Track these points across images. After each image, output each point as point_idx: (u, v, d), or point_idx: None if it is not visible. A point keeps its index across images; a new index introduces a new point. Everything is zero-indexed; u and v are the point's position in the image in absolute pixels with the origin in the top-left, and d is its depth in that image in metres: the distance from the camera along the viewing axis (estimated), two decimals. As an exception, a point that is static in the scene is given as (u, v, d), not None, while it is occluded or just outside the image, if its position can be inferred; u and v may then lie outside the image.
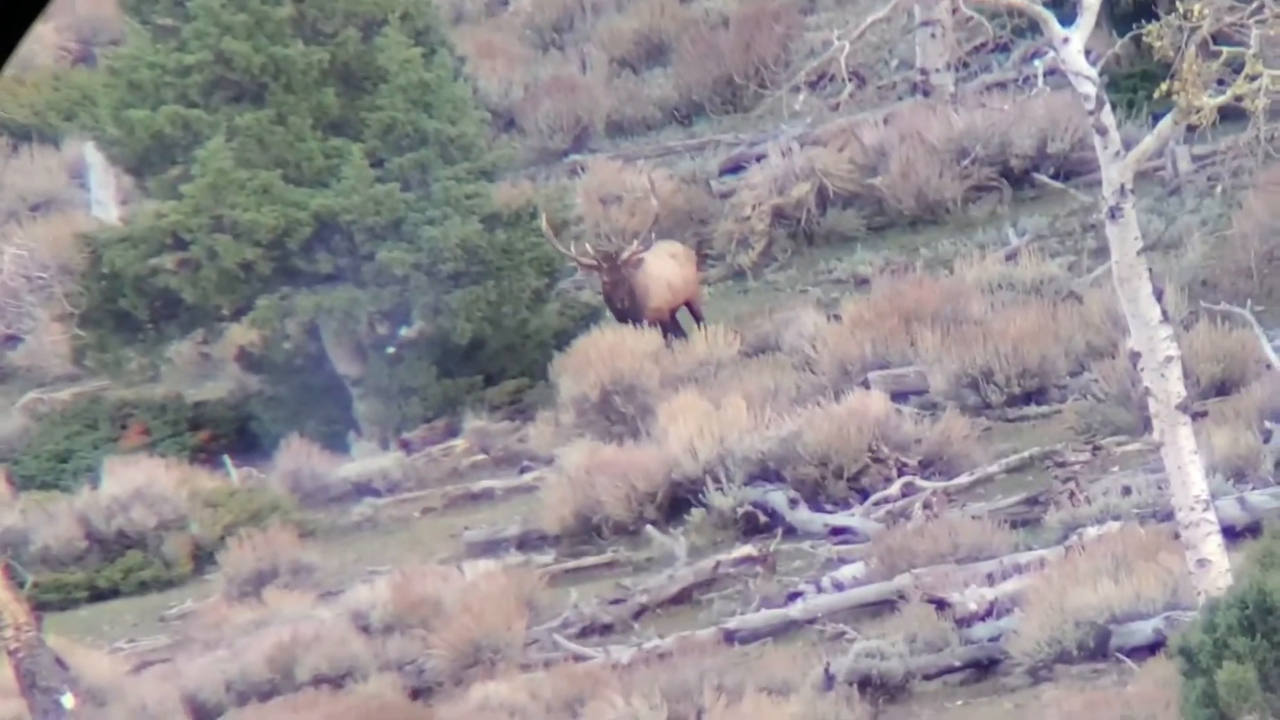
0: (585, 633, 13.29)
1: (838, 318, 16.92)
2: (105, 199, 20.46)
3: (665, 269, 17.13)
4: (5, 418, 17.80)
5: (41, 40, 23.53)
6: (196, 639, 13.58)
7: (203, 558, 15.27)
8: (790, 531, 14.27)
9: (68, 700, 12.19)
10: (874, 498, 14.50)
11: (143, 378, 17.59)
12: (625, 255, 16.79)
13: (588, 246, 17.02)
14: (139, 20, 17.29)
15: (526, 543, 14.71)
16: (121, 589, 15.19)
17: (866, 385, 15.68)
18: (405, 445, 16.67)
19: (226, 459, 16.65)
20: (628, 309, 16.96)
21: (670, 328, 17.10)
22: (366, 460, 16.40)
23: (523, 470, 16.12)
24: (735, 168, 20.22)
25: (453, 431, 16.78)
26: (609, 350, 16.24)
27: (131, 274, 16.87)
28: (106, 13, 20.89)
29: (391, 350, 17.07)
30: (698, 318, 17.34)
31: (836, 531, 14.23)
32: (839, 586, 13.32)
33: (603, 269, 16.84)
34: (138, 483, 15.45)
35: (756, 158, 20.07)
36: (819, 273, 18.98)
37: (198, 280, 16.74)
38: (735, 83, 21.61)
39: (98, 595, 15.16)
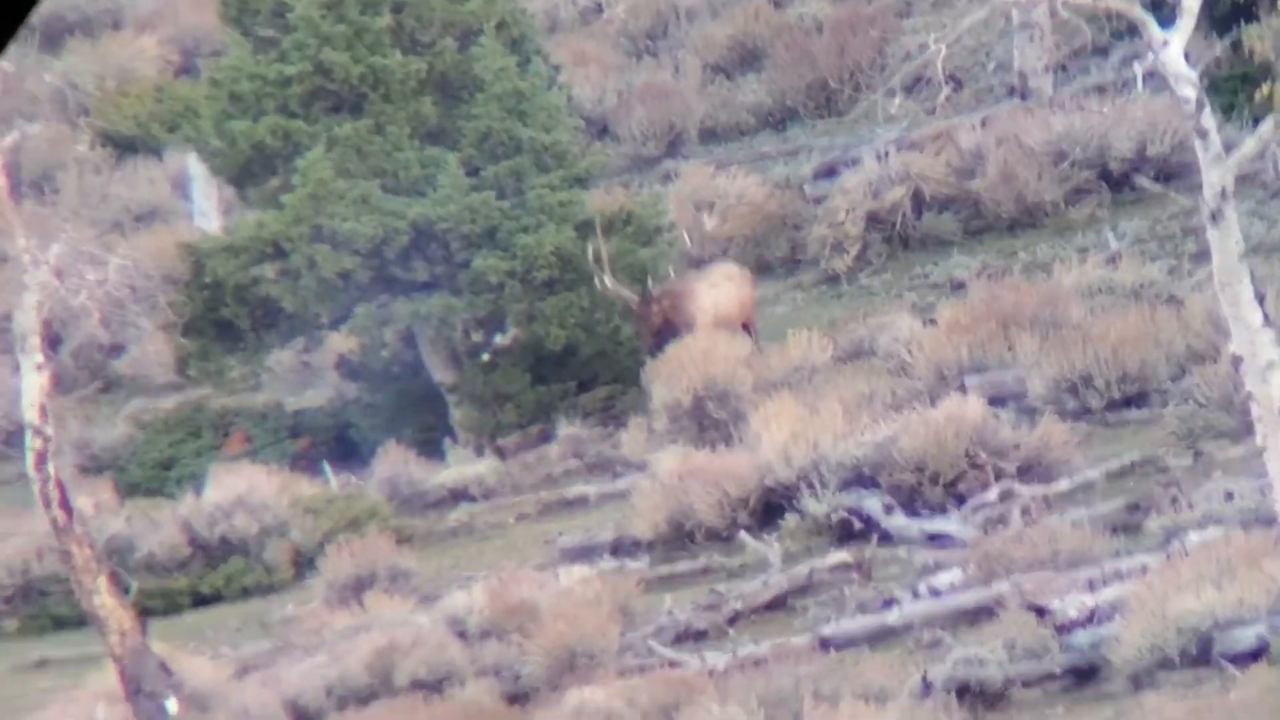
0: (679, 639, 13.24)
1: (934, 322, 16.77)
2: (208, 209, 20.68)
3: (718, 295, 16.59)
4: (111, 426, 18.02)
5: (145, 52, 23.87)
6: (297, 644, 13.67)
7: (303, 564, 15.38)
8: (886, 538, 14.14)
9: (172, 705, 12.31)
10: (971, 503, 14.34)
11: (244, 386, 17.77)
12: (658, 292, 16.18)
13: (611, 283, 16.16)
14: (240, 32, 17.47)
15: (620, 549, 14.69)
16: (224, 595, 15.32)
17: (963, 390, 15.52)
18: (500, 451, 16.71)
19: (326, 466, 16.76)
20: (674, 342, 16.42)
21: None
22: (462, 466, 16.46)
23: (616, 476, 16.10)
24: (829, 172, 20.11)
25: (546, 438, 16.80)
26: (701, 356, 16.18)
27: (233, 283, 17.03)
28: (209, 24, 21.14)
29: (486, 357, 17.12)
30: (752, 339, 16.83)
31: (933, 538, 14.09)
32: (936, 593, 13.19)
33: (638, 309, 16.31)
34: (240, 490, 15.60)
35: (851, 162, 19.96)
36: (914, 277, 18.84)
37: (297, 289, 16.88)
38: (829, 87, 21.52)
39: (201, 601, 15.30)
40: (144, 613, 13.57)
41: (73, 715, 12.60)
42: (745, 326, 16.89)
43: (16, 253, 12.75)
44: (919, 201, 19.24)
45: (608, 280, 16.16)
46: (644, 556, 14.53)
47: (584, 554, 14.61)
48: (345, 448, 17.15)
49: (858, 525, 14.25)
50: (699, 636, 13.29)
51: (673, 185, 20.18)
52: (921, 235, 19.21)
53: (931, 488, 14.45)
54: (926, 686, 11.97)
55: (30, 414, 12.63)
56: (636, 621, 13.30)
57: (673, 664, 12.77)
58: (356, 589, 14.21)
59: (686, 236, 19.24)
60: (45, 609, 15.32)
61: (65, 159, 22.53)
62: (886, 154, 19.57)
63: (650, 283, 16.36)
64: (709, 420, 15.97)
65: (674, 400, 16.03)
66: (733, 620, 13.41)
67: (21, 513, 15.31)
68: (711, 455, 15.01)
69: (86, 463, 17.18)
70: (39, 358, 12.68)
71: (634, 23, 23.57)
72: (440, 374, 17.17)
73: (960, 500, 14.41)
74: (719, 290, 16.65)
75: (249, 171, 17.41)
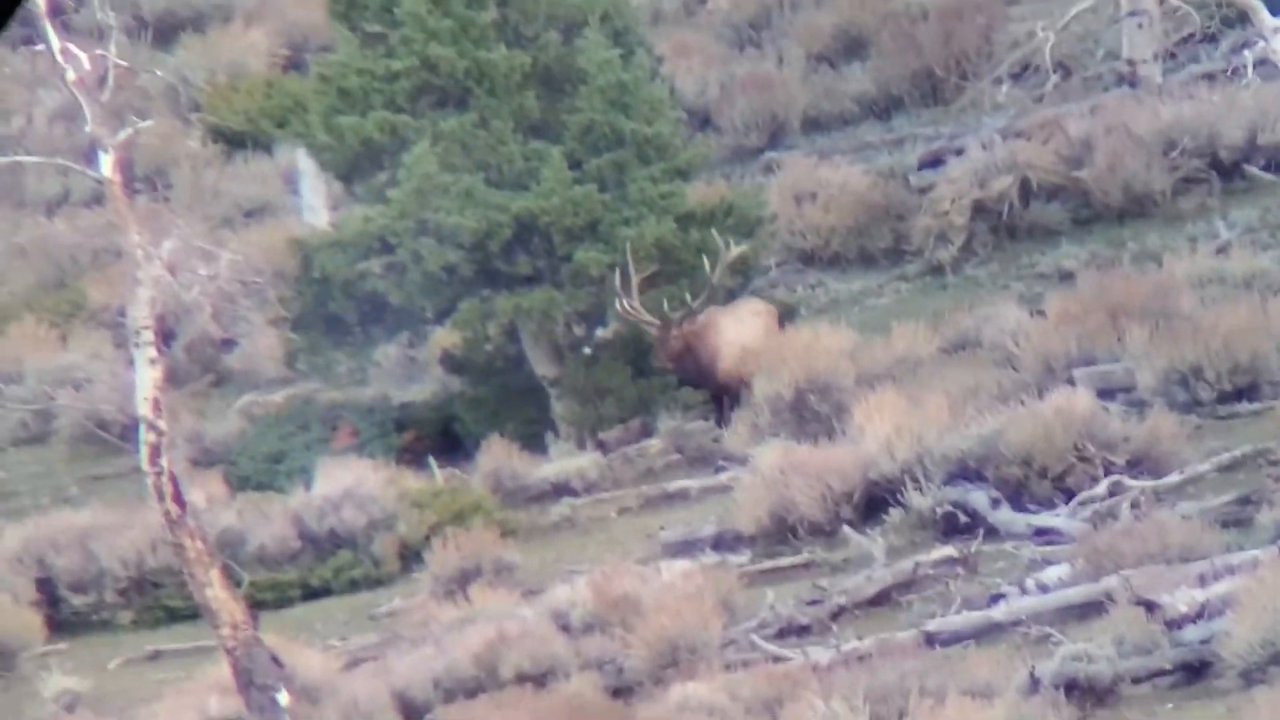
0: (782, 634, 13.21)
1: (1041, 313, 16.58)
2: (316, 205, 20.85)
3: (742, 328, 16.18)
4: (223, 420, 18.23)
5: (254, 47, 24.11)
6: (404, 636, 13.78)
7: (409, 557, 15.49)
8: (992, 532, 14.02)
9: (283, 697, 12.45)
10: (1080, 497, 14.18)
11: (351, 380, 17.91)
12: (680, 317, 15.74)
13: (634, 307, 15.77)
14: (348, 27, 17.59)
15: (722, 543, 14.66)
16: (333, 588, 15.45)
17: (1071, 382, 15.35)
18: (601, 445, 16.74)
19: (431, 459, 16.87)
20: (694, 375, 16.10)
21: (735, 401, 15.93)
22: (564, 460, 16.50)
23: (717, 470, 16.06)
24: (934, 162, 19.94)
25: (648, 432, 16.80)
26: (803, 348, 16.10)
27: (341, 278, 17.17)
28: (317, 20, 21.32)
29: (588, 351, 17.14)
30: None
31: (1040, 532, 13.95)
32: (1044, 588, 13.06)
33: (657, 332, 15.92)
34: (347, 483, 15.73)
35: (956, 151, 19.77)
36: (1021, 267, 18.64)
37: (403, 283, 16.99)
38: (935, 76, 21.33)
39: (310, 594, 15.42)
40: (255, 605, 13.73)
41: (187, 707, 12.77)
42: None
43: (130, 248, 12.92)
44: (1026, 191, 19.02)
45: (630, 304, 15.80)
46: (746, 551, 14.49)
47: (686, 548, 14.61)
48: (449, 441, 17.25)
49: (963, 519, 14.14)
50: (802, 631, 13.25)
51: (775, 176, 20.08)
52: (1029, 225, 19.00)
53: (1039, 481, 14.31)
54: (1034, 683, 11.87)
55: (144, 408, 12.80)
56: (739, 616, 13.28)
57: (776, 659, 12.74)
58: (462, 582, 14.30)
59: (788, 227, 19.16)
60: (159, 601, 15.53)
61: (177, 154, 22.80)
62: (993, 143, 19.36)
63: (669, 309, 15.91)
64: (811, 413, 15.89)
65: (775, 393, 15.96)
66: (836, 615, 13.36)
67: (136, 506, 15.53)
68: (814, 449, 14.94)
69: (199, 456, 17.38)
70: (153, 352, 12.85)
71: (737, 13, 23.48)
72: (542, 368, 17.22)
73: (1068, 494, 14.26)
74: (744, 325, 16.17)
75: (357, 166, 17.54)
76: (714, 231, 16.86)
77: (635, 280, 15.91)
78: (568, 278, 16.89)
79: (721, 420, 15.98)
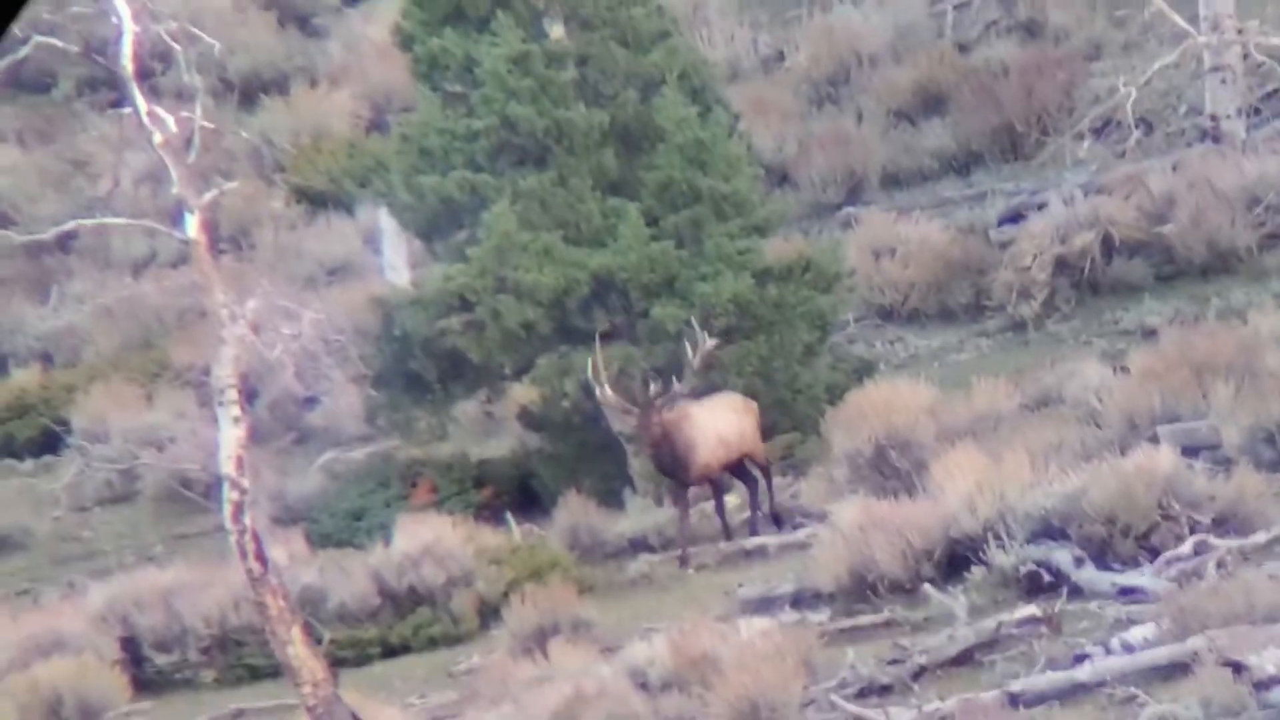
0: (863, 693, 13.07)
1: (1125, 369, 16.43)
2: (397, 263, 21.01)
3: (717, 422, 15.83)
4: (304, 477, 18.33)
5: (337, 108, 24.39)
6: (483, 694, 13.75)
7: (487, 613, 15.47)
8: (1076, 591, 13.85)
9: (364, 754, 12.43)
10: (1165, 556, 13.99)
11: (431, 437, 17.96)
12: (661, 404, 15.47)
13: (610, 393, 15.51)
14: (429, 87, 17.77)
15: (801, 600, 14.55)
16: (412, 645, 15.43)
17: (1155, 440, 15.16)
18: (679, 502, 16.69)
19: (509, 516, 16.88)
20: (669, 464, 15.62)
21: (719, 490, 15.80)
22: (641, 516, 16.46)
23: (795, 527, 15.99)
24: (1015, 217, 19.86)
25: (725, 488, 16.76)
26: (883, 404, 16.01)
27: (421, 336, 17.27)
28: (400, 80, 21.56)
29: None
30: (765, 474, 15.84)
31: (1125, 591, 13.77)
32: (1129, 648, 12.88)
33: (637, 416, 15.57)
34: (427, 540, 15.75)
35: (1038, 206, 19.69)
36: (1104, 324, 18.50)
37: (482, 340, 17.05)
38: (1016, 131, 21.27)
39: (390, 651, 15.41)
40: (335, 663, 13.73)
41: (267, 764, 12.78)
42: (751, 459, 15.95)
43: (215, 308, 13.03)
44: (1108, 246, 18.91)
45: (604, 392, 15.59)
46: (825, 609, 14.37)
47: (764, 606, 14.51)
48: (527, 498, 17.26)
49: (1047, 578, 13.97)
50: (883, 691, 13.11)
51: (853, 232, 20.05)
52: (1111, 281, 18.87)
53: (1123, 540, 14.13)
54: (1120, 744, 11.69)
55: (227, 466, 12.87)
56: (819, 675, 13.16)
57: (857, 718, 12.62)
58: (540, 639, 14.26)
59: (866, 283, 19.09)
60: (242, 660, 15.57)
61: (261, 215, 23.06)
62: (1074, 198, 19.26)
63: (651, 390, 15.66)
64: (890, 470, 15.79)
65: (855, 449, 15.88)
66: (918, 675, 13.21)
67: (219, 564, 15.61)
68: (894, 505, 14.82)
69: (280, 514, 17.48)
70: (236, 411, 12.93)
71: (815, 70, 23.53)
72: (619, 423, 17.24)
73: (1153, 553, 14.07)
74: (718, 419, 15.85)
75: (437, 225, 17.67)
76: (791, 287, 16.82)
77: (605, 370, 15.77)
78: (644, 334, 16.91)
79: (684, 516, 15.76)
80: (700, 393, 16.12)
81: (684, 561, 15.73)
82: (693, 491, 16.62)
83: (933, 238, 19.46)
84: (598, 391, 15.68)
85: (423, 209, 17.51)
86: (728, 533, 15.99)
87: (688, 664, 13.13)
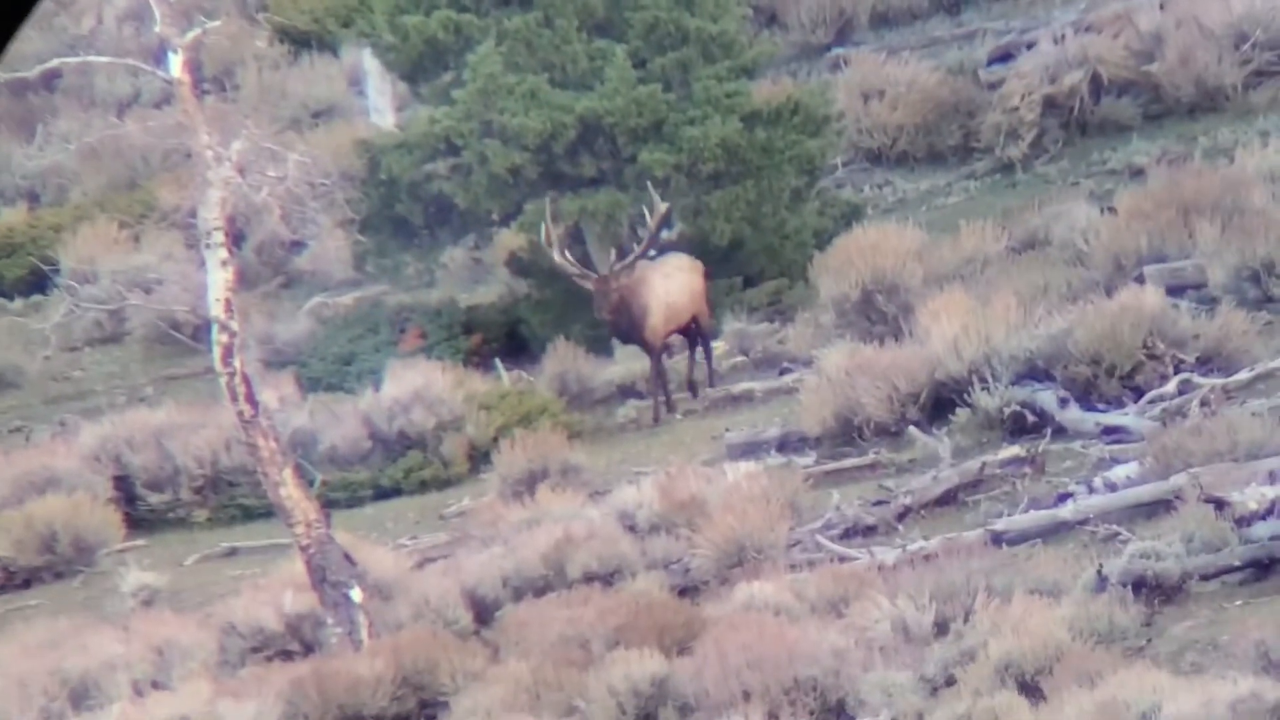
0: (848, 534, 13.26)
1: (1112, 210, 16.43)
2: (382, 106, 20.83)
3: (670, 284, 15.64)
4: (293, 322, 18.34)
5: (319, -54, 23.99)
6: (474, 536, 13.94)
7: (477, 458, 15.62)
8: (1060, 431, 13.99)
9: (355, 594, 12.62)
10: (1149, 396, 14.12)
11: (419, 283, 17.96)
12: (619, 270, 15.39)
13: (564, 259, 15.45)
14: (412, -75, 17.53)
15: (787, 444, 14.70)
16: (403, 488, 15.59)
17: (1141, 280, 15.22)
18: (666, 348, 16.72)
19: (498, 362, 16.94)
20: (625, 329, 15.57)
21: (662, 350, 15.57)
22: (629, 363, 16.53)
23: (782, 372, 16.05)
24: (1004, 57, 19.70)
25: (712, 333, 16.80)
26: (870, 248, 16.02)
27: (407, 180, 17.18)
28: (381, -82, 21.16)
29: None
30: (705, 339, 15.76)
31: (1109, 431, 13.91)
32: (1112, 487, 13.04)
33: (595, 285, 15.39)
34: (416, 385, 15.84)
35: (1027, 46, 19.52)
36: (1092, 164, 18.46)
37: (469, 185, 16.98)
38: (1005, -32, 21.03)
39: (381, 494, 15.56)
40: (327, 504, 13.90)
41: (263, 602, 12.99)
42: (696, 319, 15.89)
43: (200, 149, 12.95)
44: (1097, 86, 18.79)
45: (558, 257, 15.56)
46: (811, 452, 14.52)
47: (751, 450, 14.65)
48: (516, 344, 17.29)
49: (1031, 419, 14.11)
50: (868, 532, 13.29)
51: (842, 73, 19.90)
52: (1099, 121, 18.78)
53: (1108, 380, 14.25)
54: (1102, 581, 11.88)
55: (216, 309, 12.89)
56: (805, 517, 13.34)
57: (842, 559, 12.82)
58: (529, 483, 14.42)
59: (855, 126, 18.98)
60: (234, 500, 15.73)
61: (244, 55, 22.80)
62: (1064, 37, 19.11)
63: (605, 259, 15.61)
64: (877, 314, 15.84)
65: (842, 294, 15.91)
66: (902, 516, 13.39)
67: (209, 405, 15.72)
68: (880, 350, 14.91)
69: (270, 357, 17.53)
70: (224, 254, 12.90)
71: (804, -95, 23.17)
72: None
73: (1137, 393, 14.19)
74: (671, 281, 15.80)
75: (421, 67, 17.50)
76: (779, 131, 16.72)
77: (558, 234, 15.70)
78: (632, 179, 16.85)
79: (656, 373, 15.73)
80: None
81: (657, 418, 15.73)
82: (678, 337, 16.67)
83: (922, 79, 19.33)
84: (553, 256, 15.64)
85: (406, 49, 17.33)
86: (668, 399, 15.77)
87: (675, 507, 13.30)
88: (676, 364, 16.44)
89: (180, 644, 12.69)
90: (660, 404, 15.80)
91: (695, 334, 16.02)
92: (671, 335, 16.00)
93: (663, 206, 15.92)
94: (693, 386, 15.98)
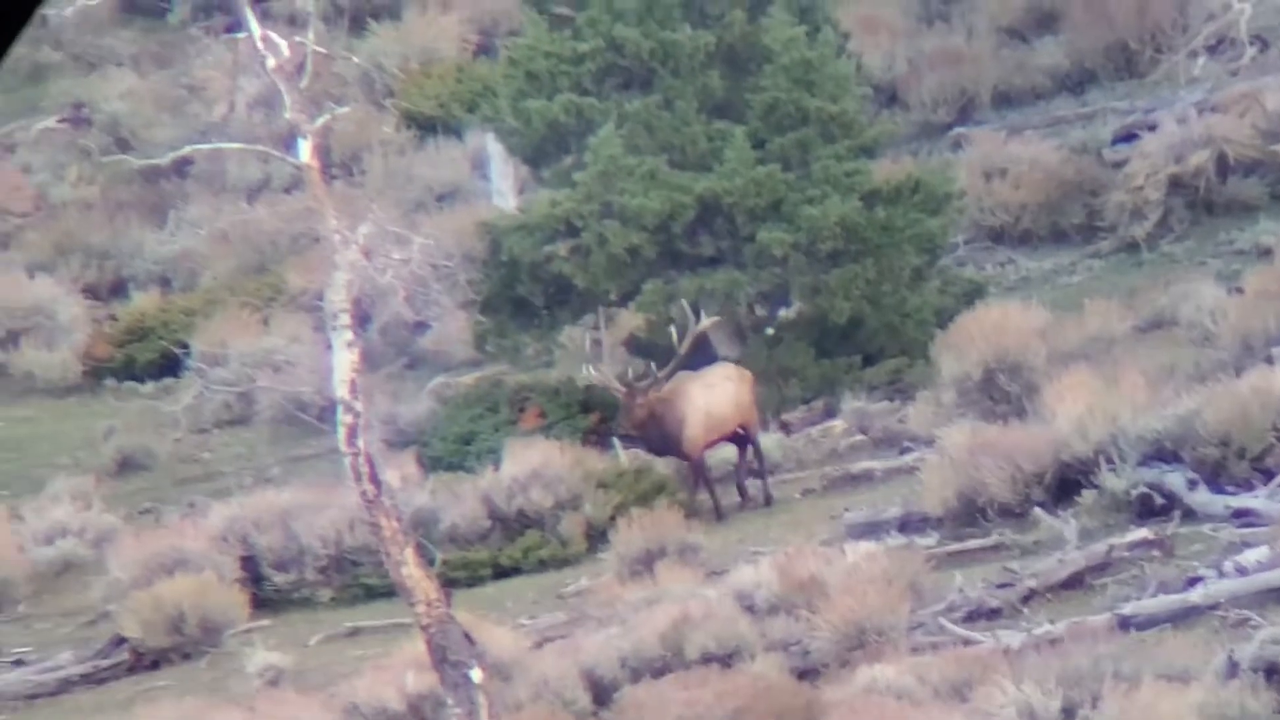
0: (971, 617, 13.09)
1: (1239, 290, 16.22)
2: (505, 188, 21.06)
3: (711, 395, 15.39)
4: (415, 402, 18.51)
5: (446, 33, 24.43)
6: (592, 616, 13.92)
7: (595, 537, 15.62)
8: (1189, 514, 13.75)
9: (476, 674, 12.62)
10: (1279, 479, 13.86)
11: (538, 362, 18.07)
12: (646, 385, 15.22)
13: (598, 372, 15.41)
14: (536, 10, 17.75)
15: (908, 525, 14.56)
16: (522, 567, 15.62)
17: (1270, 361, 14.98)
18: (784, 427, 16.69)
19: (615, 441, 16.99)
20: (659, 443, 15.44)
21: (701, 470, 15.36)
22: (744, 444, 16.45)
23: (902, 451, 15.94)
24: (1129, 136, 19.56)
25: (831, 413, 16.72)
26: (993, 327, 15.91)
27: (528, 261, 17.33)
28: (507, 4, 21.53)
29: (770, 332, 17.12)
30: (757, 448, 15.54)
31: (1239, 514, 13.66)
32: (1242, 571, 12.79)
33: (623, 398, 15.24)
34: (535, 464, 15.91)
35: (1151, 126, 19.38)
36: (1218, 244, 18.24)
37: (588, 266, 17.10)
38: (1129, 49, 20.91)
39: (500, 573, 15.61)
40: (448, 583, 13.93)
41: (385, 682, 13.03)
42: (744, 428, 15.64)
43: (328, 233, 13.14)
44: (1223, 165, 18.60)
45: (594, 371, 15.47)
46: (933, 533, 14.36)
47: (871, 530, 14.53)
48: (635, 423, 17.30)
49: (1159, 501, 13.88)
50: (992, 615, 13.11)
51: (964, 152, 19.84)
52: (1226, 200, 18.57)
53: (1237, 462, 14.00)
54: (1232, 667, 11.63)
55: (341, 390, 13.01)
56: (926, 599, 13.18)
57: (966, 642, 12.64)
58: (647, 562, 14.40)
59: (977, 204, 18.88)
60: (357, 579, 15.83)
61: (371, 140, 23.20)
62: (1188, 117, 18.94)
63: (632, 376, 15.49)
64: (1000, 394, 15.69)
65: (963, 373, 15.79)
66: (1027, 599, 13.20)
67: (334, 486, 15.84)
68: (1003, 429, 14.76)
69: (393, 437, 17.69)
70: (349, 335, 13.04)
71: (926, -13, 23.23)
72: (725, 349, 17.22)
73: (1268, 475, 13.94)
74: (714, 391, 15.57)
75: (543, 150, 17.70)
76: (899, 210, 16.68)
77: (608, 342, 15.75)
78: (751, 258, 16.87)
79: (696, 482, 15.54)
80: (697, 364, 15.97)
81: (719, 515, 15.44)
82: (799, 416, 16.59)
83: (1045, 157, 19.24)
84: (587, 370, 15.57)
85: (529, 133, 17.54)
86: (714, 495, 15.52)
87: (794, 587, 13.19)
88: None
89: (305, 724, 12.75)
90: (717, 501, 15.48)
91: (744, 441, 15.74)
92: (715, 445, 15.72)
93: (707, 322, 15.82)
94: (743, 491, 15.73)
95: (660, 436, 15.62)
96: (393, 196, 21.00)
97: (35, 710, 14.68)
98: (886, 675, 12.00)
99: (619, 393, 15.56)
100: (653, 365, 15.82)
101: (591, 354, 15.73)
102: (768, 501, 15.65)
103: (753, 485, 15.80)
